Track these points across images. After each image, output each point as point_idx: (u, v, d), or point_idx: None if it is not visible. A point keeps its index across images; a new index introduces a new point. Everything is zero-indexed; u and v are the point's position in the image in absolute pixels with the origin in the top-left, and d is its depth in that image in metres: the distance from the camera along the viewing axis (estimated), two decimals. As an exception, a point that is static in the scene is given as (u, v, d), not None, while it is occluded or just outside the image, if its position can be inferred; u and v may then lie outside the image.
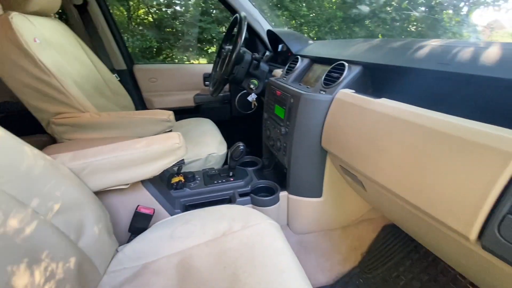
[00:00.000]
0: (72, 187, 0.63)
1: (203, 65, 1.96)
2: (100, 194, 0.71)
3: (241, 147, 0.96)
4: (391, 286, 0.94)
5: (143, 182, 0.82)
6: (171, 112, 1.11)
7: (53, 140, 1.13)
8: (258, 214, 0.77)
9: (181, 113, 1.60)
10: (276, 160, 1.16)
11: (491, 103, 0.50)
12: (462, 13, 4.63)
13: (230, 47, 1.15)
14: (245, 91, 1.33)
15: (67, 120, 0.99)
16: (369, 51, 0.82)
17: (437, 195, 0.47)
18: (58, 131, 1.01)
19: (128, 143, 0.71)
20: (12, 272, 0.42)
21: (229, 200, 0.99)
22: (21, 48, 0.91)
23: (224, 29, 3.36)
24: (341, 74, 0.80)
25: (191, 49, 3.38)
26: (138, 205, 0.77)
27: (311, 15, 3.70)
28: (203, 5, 3.23)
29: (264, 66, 1.26)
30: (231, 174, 1.04)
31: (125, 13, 3.18)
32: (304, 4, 3.60)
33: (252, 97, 1.29)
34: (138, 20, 3.23)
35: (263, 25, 1.52)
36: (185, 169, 1.12)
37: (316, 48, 1.14)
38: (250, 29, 1.51)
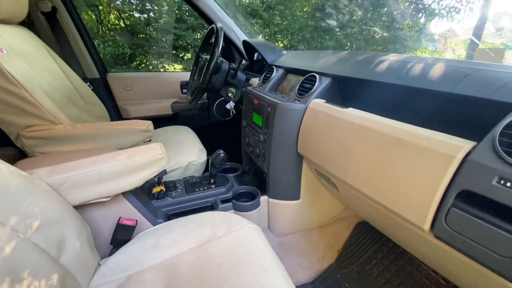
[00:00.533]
0: (51, 203, 0.62)
1: (179, 73, 1.96)
2: (80, 207, 0.70)
3: (222, 155, 0.99)
4: (365, 278, 1.01)
5: (124, 193, 0.82)
6: (150, 122, 1.11)
7: (22, 153, 1.08)
8: (240, 219, 0.80)
9: (158, 121, 1.59)
10: (255, 166, 1.20)
11: (437, 112, 0.58)
12: (420, 22, 5.05)
13: (207, 57, 1.18)
14: (223, 98, 1.36)
15: (39, 133, 0.95)
16: (337, 63, 0.90)
17: (396, 193, 0.54)
18: (29, 145, 0.96)
19: (109, 155, 0.71)
20: (-5, 292, 0.42)
21: (211, 207, 1.01)
22: (-14, 59, 0.87)
23: (199, 36, 3.36)
24: (313, 85, 0.86)
25: (166, 56, 3.34)
26: (120, 217, 0.77)
27: (284, 23, 3.84)
28: (177, 12, 3.22)
29: (241, 75, 1.30)
30: (212, 181, 1.07)
31: (94, 17, 3.07)
32: (277, 13, 3.73)
33: (230, 105, 1.33)
34: (109, 25, 3.14)
35: (239, 35, 1.56)
36: (165, 178, 1.12)
37: (290, 59, 1.21)
38: (226, 38, 1.55)
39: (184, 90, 1.69)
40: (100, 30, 3.06)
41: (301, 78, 0.94)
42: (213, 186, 1.05)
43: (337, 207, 1.12)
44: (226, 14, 1.52)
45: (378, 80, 0.69)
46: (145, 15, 3.18)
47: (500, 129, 0.42)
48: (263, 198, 1.02)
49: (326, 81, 0.85)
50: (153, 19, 3.21)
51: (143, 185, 0.98)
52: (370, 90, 0.74)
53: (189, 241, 0.73)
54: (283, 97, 0.98)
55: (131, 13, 3.17)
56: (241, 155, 1.31)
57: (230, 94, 1.26)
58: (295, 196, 0.99)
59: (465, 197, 0.45)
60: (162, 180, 1.04)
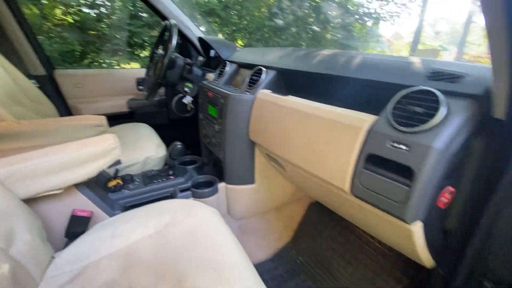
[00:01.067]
0: (-3, 196, 0.61)
1: (135, 69, 1.92)
2: (31, 201, 0.69)
3: (179, 145, 1.03)
4: (316, 251, 1.13)
5: (77, 186, 0.81)
6: (103, 117, 1.09)
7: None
8: (199, 204, 0.84)
9: (114, 119, 1.55)
10: (214, 157, 1.26)
11: (354, 94, 0.70)
12: (368, 25, 5.52)
13: (162, 53, 1.20)
14: (181, 94, 1.39)
15: (-23, 131, 0.89)
16: (281, 58, 1.00)
17: (323, 163, 0.64)
18: (-34, 144, 0.90)
19: (58, 147, 0.71)
20: None
21: (171, 197, 1.04)
22: None
23: (156, 33, 3.29)
24: (260, 77, 0.95)
25: (120, 53, 3.20)
26: (73, 209, 0.77)
27: (244, 22, 3.94)
28: (131, 8, 3.11)
29: (197, 71, 1.35)
30: (171, 172, 1.10)
31: (38, 12, 2.82)
32: (235, 13, 3.81)
33: (187, 100, 1.36)
34: (55, 21, 2.91)
35: (195, 32, 1.60)
36: (122, 173, 1.12)
37: (242, 55, 1.29)
38: (183, 35, 1.57)
39: (140, 87, 1.67)
40: (45, 25, 2.83)
41: (251, 72, 1.02)
42: (172, 177, 1.08)
43: (289, 189, 1.23)
44: (181, 12, 1.55)
45: (312, 71, 0.80)
46: (96, 11, 3.01)
47: (393, 105, 0.54)
48: (221, 185, 1.08)
49: (272, 73, 0.95)
50: (104, 15, 3.05)
51: (98, 179, 0.98)
52: (307, 79, 0.85)
53: (148, 227, 0.74)
54: (236, 89, 1.06)
55: (80, 8, 2.98)
56: (200, 148, 1.35)
57: (186, 89, 1.30)
58: (250, 180, 1.07)
59: (372, 160, 0.56)
60: (119, 174, 1.05)
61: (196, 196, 1.03)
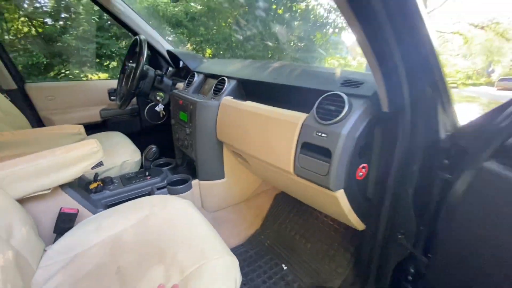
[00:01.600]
0: (-5, 196, 0.70)
1: (106, 80, 1.98)
2: (22, 201, 0.78)
3: (154, 148, 1.16)
4: (282, 234, 1.31)
5: (63, 187, 0.91)
6: (80, 126, 1.18)
7: None
8: (175, 198, 0.95)
9: (88, 129, 1.61)
10: (187, 159, 1.39)
11: (298, 98, 0.89)
12: (328, 34, 5.94)
13: (133, 65, 1.32)
14: (153, 103, 1.50)
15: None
16: (241, 69, 1.18)
17: (274, 152, 0.82)
18: None
19: (47, 152, 0.81)
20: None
21: (148, 195, 1.16)
22: None
23: (124, 44, 3.33)
24: (223, 86, 1.12)
25: (88, 65, 3.19)
26: (61, 207, 0.86)
27: (211, 33, 4.11)
28: (98, 20, 3.13)
29: (167, 81, 1.48)
30: (147, 174, 1.21)
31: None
32: (200, 24, 3.97)
33: (159, 107, 1.49)
34: (17, 33, 2.83)
35: (163, 45, 1.72)
36: (101, 177, 1.21)
37: (208, 66, 1.45)
38: (152, 48, 1.69)
39: (113, 97, 1.74)
40: (8, 38, 2.74)
41: (216, 81, 1.19)
42: (148, 178, 1.19)
43: (256, 182, 1.40)
44: (150, 27, 1.67)
45: (264, 81, 0.99)
46: (61, 23, 2.98)
47: (317, 105, 0.74)
48: (195, 182, 1.22)
49: (233, 83, 1.12)
50: (70, 27, 3.03)
51: (80, 183, 1.07)
52: (262, 87, 1.03)
53: (130, 220, 0.84)
54: (204, 96, 1.21)
55: (43, 20, 2.94)
56: (174, 152, 1.48)
57: (158, 98, 1.43)
58: (221, 175, 1.23)
59: (305, 146, 0.75)
60: (98, 178, 1.14)
61: (172, 193, 1.16)
